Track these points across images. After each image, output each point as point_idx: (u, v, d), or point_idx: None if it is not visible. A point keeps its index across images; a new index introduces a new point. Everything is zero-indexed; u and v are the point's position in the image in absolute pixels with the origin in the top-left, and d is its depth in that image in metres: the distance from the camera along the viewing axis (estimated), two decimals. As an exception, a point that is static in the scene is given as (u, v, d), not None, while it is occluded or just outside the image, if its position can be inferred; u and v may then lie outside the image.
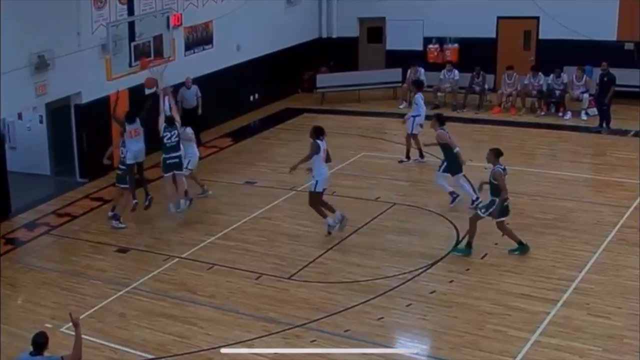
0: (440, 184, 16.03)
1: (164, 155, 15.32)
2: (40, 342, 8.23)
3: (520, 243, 13.31)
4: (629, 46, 23.19)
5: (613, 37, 23.34)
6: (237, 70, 22.98)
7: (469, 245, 13.47)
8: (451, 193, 15.81)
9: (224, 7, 22.22)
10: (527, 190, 16.30)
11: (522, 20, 24.65)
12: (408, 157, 18.99)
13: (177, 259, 14.16)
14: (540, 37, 24.49)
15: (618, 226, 14.71)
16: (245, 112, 23.67)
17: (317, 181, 14.42)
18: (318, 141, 14.48)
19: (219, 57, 22.30)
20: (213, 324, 11.76)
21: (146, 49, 18.88)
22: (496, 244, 13.86)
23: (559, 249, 13.76)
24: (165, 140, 15.18)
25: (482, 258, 13.52)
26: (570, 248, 13.71)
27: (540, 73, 22.93)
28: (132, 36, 18.52)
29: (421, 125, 18.34)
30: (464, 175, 15.93)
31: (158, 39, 19.16)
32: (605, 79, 20.94)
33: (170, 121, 15.38)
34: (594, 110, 21.80)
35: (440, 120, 16.15)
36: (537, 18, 24.30)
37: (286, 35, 25.03)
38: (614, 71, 20.95)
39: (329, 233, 14.67)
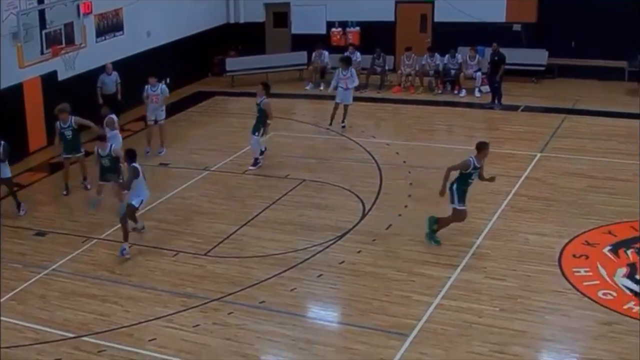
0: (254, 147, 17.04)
1: None
2: None
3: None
4: (517, 27, 23.77)
5: (502, 19, 23.88)
6: (149, 56, 22.55)
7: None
8: (256, 159, 17.04)
9: (134, -6, 21.87)
10: (426, 163, 16.59)
11: (419, 5, 24.97)
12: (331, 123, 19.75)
13: (95, 240, 13.87)
14: (436, 20, 24.81)
15: (511, 195, 15.12)
16: (158, 96, 23.23)
17: (142, 200, 13.52)
18: (134, 165, 13.36)
19: (130, 43, 21.84)
20: (132, 302, 11.57)
21: (58, 36, 18.48)
22: (400, 215, 14.11)
23: (457, 218, 14.02)
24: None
25: (387, 229, 13.71)
26: (468, 216, 14.00)
27: (436, 54, 23.25)
28: (43, 24, 18.06)
29: None
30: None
31: (69, 27, 18.79)
32: (496, 58, 21.41)
33: None
34: (486, 88, 22.27)
35: (267, 89, 17.08)
36: (432, 2, 24.62)
37: (195, 21, 24.72)
38: (503, 51, 21.41)
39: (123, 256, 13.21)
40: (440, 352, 9.96)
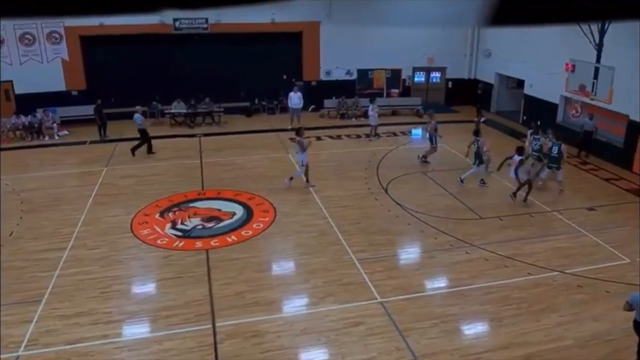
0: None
1: None
2: None
3: None
4: (75, 92, 20.69)
5: (64, 88, 20.57)
6: None
7: None
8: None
9: None
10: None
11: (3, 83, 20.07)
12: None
13: None
14: (16, 92, 20.12)
15: (93, 195, 13.05)
16: None
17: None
18: None
19: None
20: None
21: None
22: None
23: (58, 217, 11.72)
24: None
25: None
26: (67, 213, 11.77)
27: (21, 115, 18.98)
28: None
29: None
30: None
31: None
32: (98, 109, 18.42)
33: None
34: (64, 132, 18.99)
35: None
36: (12, 81, 19.98)
37: None
38: (67, 109, 18.54)
39: None
40: (68, 303, 8.32)
